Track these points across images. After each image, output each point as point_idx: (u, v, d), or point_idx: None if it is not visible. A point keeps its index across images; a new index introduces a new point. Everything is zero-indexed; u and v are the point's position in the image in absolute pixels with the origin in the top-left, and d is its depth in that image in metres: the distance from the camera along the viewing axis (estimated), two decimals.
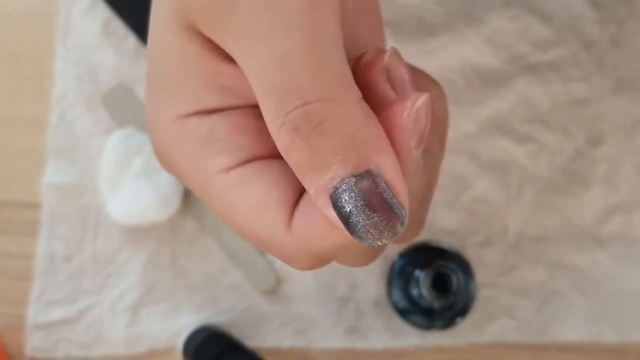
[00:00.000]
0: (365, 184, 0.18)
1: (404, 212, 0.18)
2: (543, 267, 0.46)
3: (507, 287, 0.45)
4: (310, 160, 0.18)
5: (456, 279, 0.40)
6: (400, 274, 0.43)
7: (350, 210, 0.18)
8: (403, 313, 0.43)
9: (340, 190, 0.18)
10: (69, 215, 0.46)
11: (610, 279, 0.46)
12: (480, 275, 0.44)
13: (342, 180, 0.18)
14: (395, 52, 0.21)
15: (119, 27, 0.47)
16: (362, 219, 0.18)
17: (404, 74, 0.21)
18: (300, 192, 0.20)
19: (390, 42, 0.47)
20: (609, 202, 0.46)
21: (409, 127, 0.19)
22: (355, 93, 0.18)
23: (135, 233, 0.45)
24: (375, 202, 0.18)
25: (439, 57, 0.47)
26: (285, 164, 0.20)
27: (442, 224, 0.46)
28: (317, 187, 0.18)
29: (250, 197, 0.20)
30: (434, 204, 0.46)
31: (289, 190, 0.20)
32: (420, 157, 0.20)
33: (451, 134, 0.46)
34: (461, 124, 0.46)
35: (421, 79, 0.23)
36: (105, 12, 0.47)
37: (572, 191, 0.46)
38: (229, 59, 0.20)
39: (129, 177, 0.44)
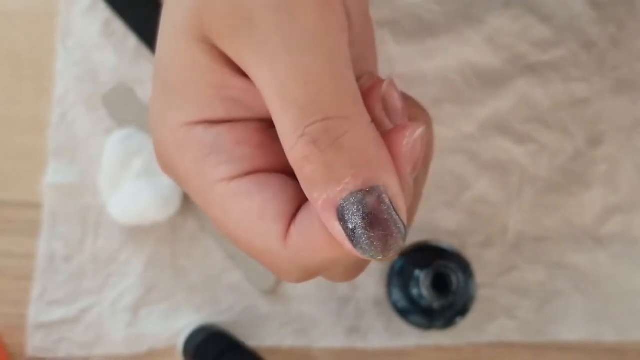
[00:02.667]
0: (372, 198, 0.19)
1: (405, 229, 0.19)
2: (543, 267, 0.46)
3: (507, 287, 0.45)
4: (324, 172, 0.19)
5: (456, 279, 0.40)
6: (400, 274, 0.43)
7: (356, 223, 0.19)
8: (403, 313, 0.43)
9: (348, 203, 0.19)
10: (70, 215, 0.46)
11: (610, 279, 0.46)
12: (480, 275, 0.44)
13: (351, 194, 0.19)
14: (392, 82, 0.22)
15: (119, 27, 0.47)
16: (368, 231, 0.19)
17: (398, 104, 0.22)
18: (297, 206, 0.21)
19: (390, 42, 0.47)
20: (609, 202, 0.46)
21: (406, 155, 0.20)
22: (367, 114, 0.19)
23: (135, 233, 0.45)
24: (381, 216, 0.19)
25: (439, 57, 0.47)
26: (285, 178, 0.21)
27: (442, 224, 0.46)
28: (325, 199, 0.19)
29: (248, 207, 0.21)
30: (434, 204, 0.46)
31: (286, 204, 0.21)
32: (412, 182, 0.21)
33: (451, 134, 0.47)
34: (461, 124, 0.46)
35: (411, 107, 0.24)
36: (105, 12, 0.47)
37: (572, 191, 0.46)
38: (239, 72, 0.21)
39: (129, 177, 0.44)
